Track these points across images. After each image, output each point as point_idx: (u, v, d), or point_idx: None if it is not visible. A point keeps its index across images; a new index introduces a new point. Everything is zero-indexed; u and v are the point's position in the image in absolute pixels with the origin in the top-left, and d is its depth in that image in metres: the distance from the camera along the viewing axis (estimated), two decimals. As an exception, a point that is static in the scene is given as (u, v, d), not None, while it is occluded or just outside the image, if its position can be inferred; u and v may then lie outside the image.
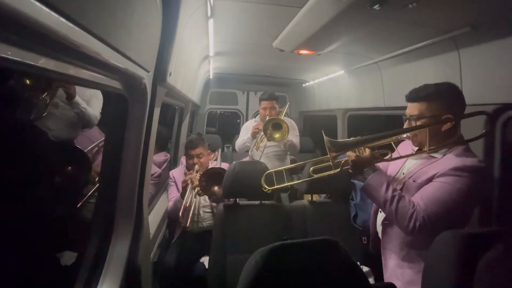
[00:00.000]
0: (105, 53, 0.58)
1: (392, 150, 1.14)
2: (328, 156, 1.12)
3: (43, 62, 0.45)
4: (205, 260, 1.69)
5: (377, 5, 0.98)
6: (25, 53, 0.41)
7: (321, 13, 1.13)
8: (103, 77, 0.68)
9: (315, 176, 1.31)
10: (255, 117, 2.84)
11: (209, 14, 1.22)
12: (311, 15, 1.17)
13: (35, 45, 0.42)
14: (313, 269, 0.57)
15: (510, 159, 1.27)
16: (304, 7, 1.14)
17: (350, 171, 1.14)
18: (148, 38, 0.86)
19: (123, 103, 0.92)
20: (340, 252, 0.60)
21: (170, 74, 1.09)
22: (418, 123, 1.04)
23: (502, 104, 1.24)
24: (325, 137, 1.10)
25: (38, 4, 0.36)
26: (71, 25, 0.44)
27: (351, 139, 1.13)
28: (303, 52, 1.68)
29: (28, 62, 0.42)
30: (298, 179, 1.71)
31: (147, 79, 0.91)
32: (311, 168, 1.34)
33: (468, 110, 1.09)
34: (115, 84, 0.77)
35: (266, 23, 1.42)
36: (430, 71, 1.59)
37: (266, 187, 1.43)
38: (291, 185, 2.19)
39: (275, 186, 1.44)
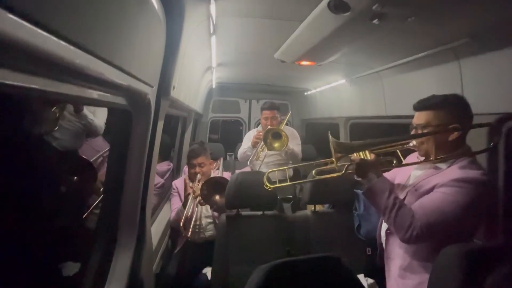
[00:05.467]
0: (111, 73, 0.60)
1: (398, 158, 1.14)
2: (333, 158, 1.12)
3: (50, 86, 0.47)
4: (207, 270, 1.68)
5: (376, 20, 1.00)
6: (31, 78, 0.42)
7: (321, 27, 1.15)
8: (108, 95, 0.70)
9: (317, 177, 1.31)
10: (257, 126, 2.86)
11: (211, 31, 1.25)
12: (311, 29, 1.19)
13: (42, 71, 0.44)
14: (315, 287, 0.57)
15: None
16: (304, 21, 1.16)
17: (355, 175, 1.13)
18: (152, 55, 0.88)
19: (128, 117, 0.93)
20: (342, 269, 0.59)
21: (173, 88, 1.11)
22: (425, 132, 1.05)
23: (504, 114, 1.24)
24: (330, 138, 1.11)
25: (46, 34, 0.38)
26: (78, 50, 0.45)
27: (357, 141, 1.13)
28: (304, 63, 1.70)
29: (35, 87, 0.43)
30: (300, 190, 1.69)
31: (151, 94, 0.93)
32: (314, 170, 1.34)
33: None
34: (120, 100, 0.79)
35: (268, 36, 1.44)
36: (431, 80, 1.60)
37: (268, 184, 1.42)
38: (290, 195, 2.18)
39: (277, 184, 1.43)
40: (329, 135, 1.12)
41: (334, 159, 1.11)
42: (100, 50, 0.53)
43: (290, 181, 1.55)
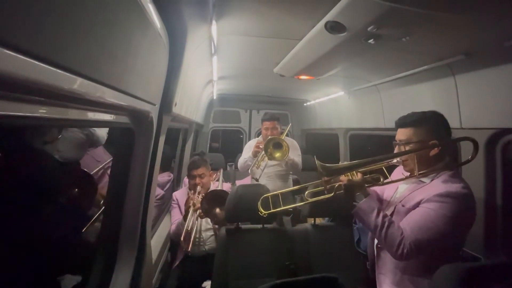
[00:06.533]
0: (115, 97, 0.63)
1: (384, 175, 1.17)
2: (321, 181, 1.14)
3: (55, 114, 0.49)
4: (207, 284, 1.66)
5: (372, 40, 1.03)
6: (38, 107, 0.45)
7: (318, 46, 1.18)
8: (113, 115, 0.72)
9: (310, 200, 1.32)
10: (257, 136, 2.88)
11: (212, 50, 1.29)
12: (309, 47, 1.23)
13: (49, 101, 0.46)
14: (313, 307, 0.58)
15: (509, 183, 1.28)
16: (302, 40, 1.20)
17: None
18: (155, 76, 0.91)
19: (130, 134, 0.96)
20: (340, 288, 0.60)
21: (175, 105, 1.14)
22: (407, 148, 1.08)
23: (500, 129, 1.26)
24: (317, 162, 1.13)
25: (53, 68, 0.40)
26: (86, 81, 0.48)
27: (342, 163, 1.16)
28: (303, 77, 1.74)
29: (42, 116, 0.46)
30: (301, 200, 1.70)
31: (153, 111, 0.96)
32: (306, 193, 1.35)
33: (466, 134, 1.12)
34: (123, 119, 0.82)
35: (267, 53, 1.49)
36: (428, 94, 1.63)
37: (262, 211, 1.43)
38: (291, 209, 2.18)
39: (271, 210, 1.44)
40: (315, 159, 1.14)
41: (322, 182, 1.14)
42: (105, 78, 0.55)
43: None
